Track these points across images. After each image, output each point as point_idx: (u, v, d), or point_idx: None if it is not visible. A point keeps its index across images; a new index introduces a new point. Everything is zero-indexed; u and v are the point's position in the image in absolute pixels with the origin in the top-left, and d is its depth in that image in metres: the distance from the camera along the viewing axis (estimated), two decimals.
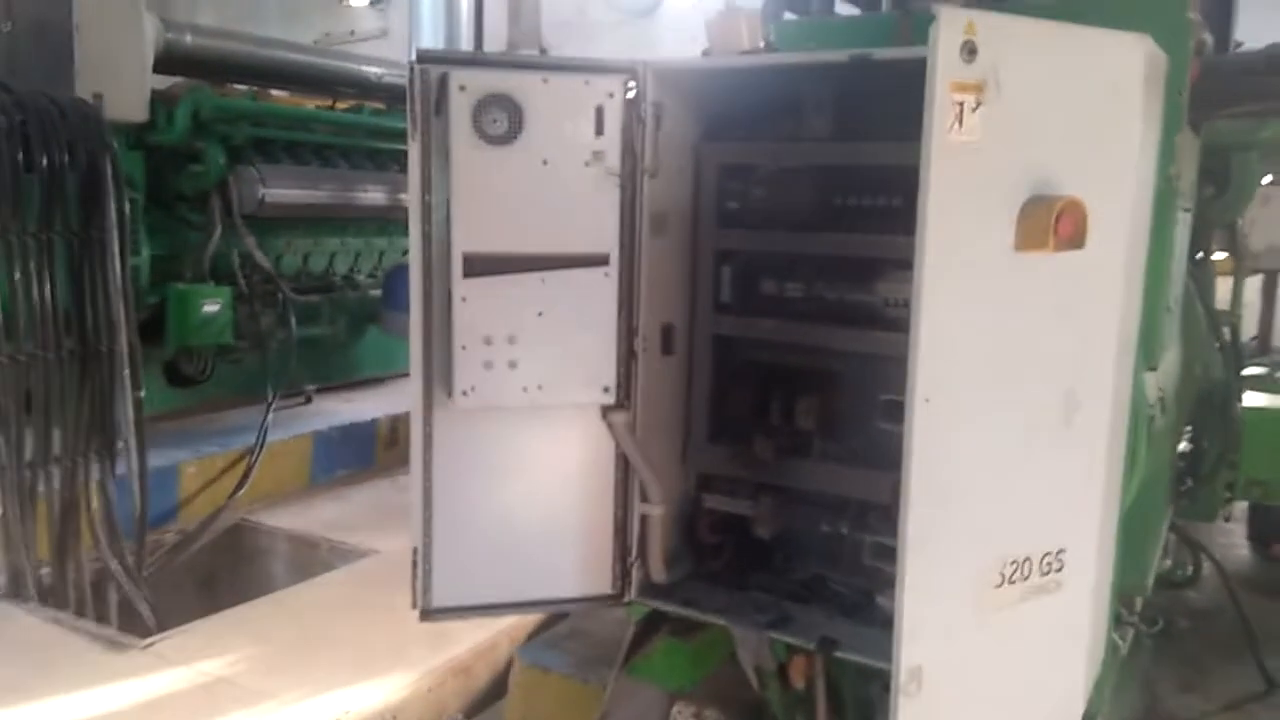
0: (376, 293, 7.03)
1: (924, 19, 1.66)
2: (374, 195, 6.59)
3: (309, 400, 6.39)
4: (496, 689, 3.58)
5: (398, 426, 6.24)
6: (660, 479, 2.49)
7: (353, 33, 12.90)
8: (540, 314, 2.31)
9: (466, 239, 2.25)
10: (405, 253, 7.35)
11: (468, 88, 2.21)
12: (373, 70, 6.82)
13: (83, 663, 3.47)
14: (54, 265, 4.09)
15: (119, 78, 4.86)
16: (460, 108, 2.21)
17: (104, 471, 4.37)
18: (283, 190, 5.95)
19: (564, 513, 2.49)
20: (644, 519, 2.49)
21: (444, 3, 8.49)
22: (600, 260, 2.34)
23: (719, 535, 2.59)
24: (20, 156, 3.94)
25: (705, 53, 2.74)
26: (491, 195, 2.24)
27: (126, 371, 4.36)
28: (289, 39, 7.35)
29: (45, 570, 4.18)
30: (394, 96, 6.99)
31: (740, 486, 2.53)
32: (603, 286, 2.35)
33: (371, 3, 13.33)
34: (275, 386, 5.88)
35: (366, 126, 6.68)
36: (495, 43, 9.28)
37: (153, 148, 5.48)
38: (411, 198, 2.27)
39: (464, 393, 2.29)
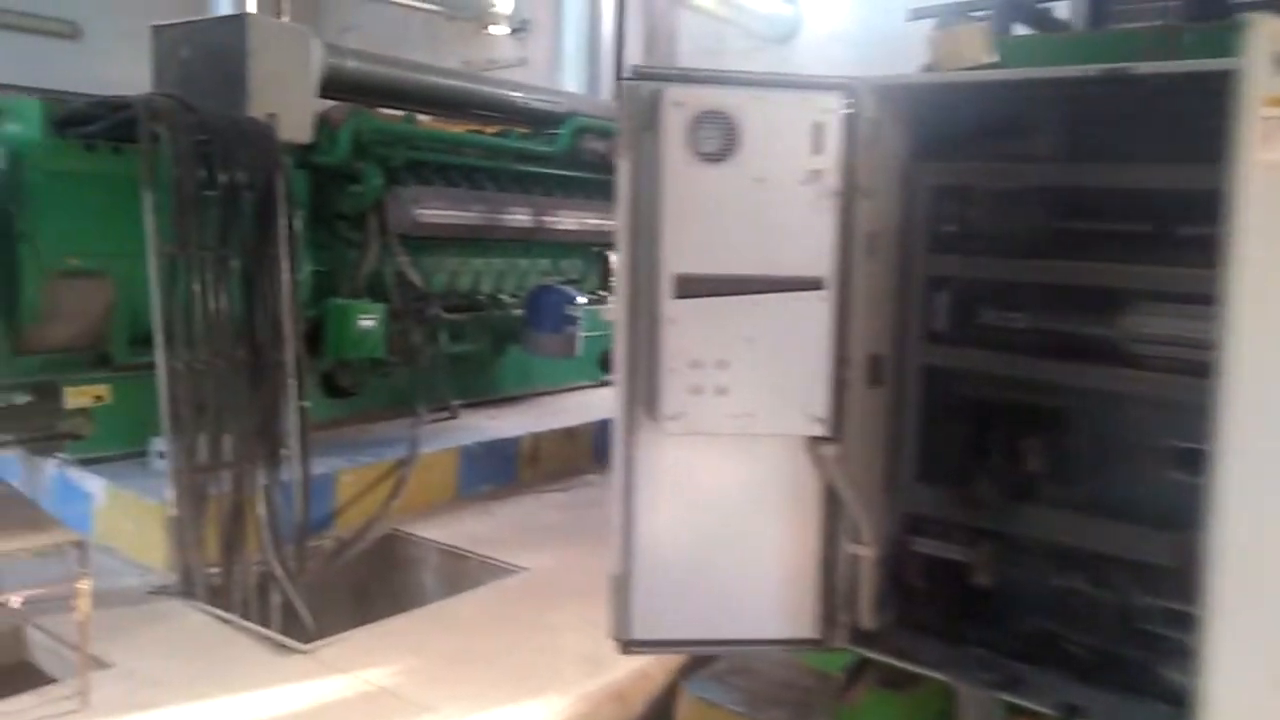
0: (519, 312, 7.14)
1: (1203, 33, 1.52)
2: (519, 217, 6.71)
3: (454, 415, 6.51)
4: (652, 718, 3.51)
5: (539, 444, 6.30)
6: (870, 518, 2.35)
7: (492, 60, 13.25)
8: (750, 339, 2.23)
9: (678, 259, 2.19)
10: (546, 274, 7.54)
11: (683, 104, 2.15)
12: (517, 95, 6.95)
13: (251, 664, 3.57)
14: (229, 279, 4.27)
15: (287, 101, 5.07)
16: (674, 124, 2.16)
17: (270, 478, 4.53)
18: (435, 211, 6.11)
19: (765, 548, 2.38)
20: (853, 560, 2.34)
21: (586, 32, 8.66)
22: (813, 284, 2.25)
23: (929, 581, 2.40)
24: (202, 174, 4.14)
25: (926, 68, 2.61)
26: (704, 215, 2.18)
27: (292, 381, 4.52)
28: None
29: (213, 571, 4.33)
30: (537, 121, 7.12)
31: (954, 530, 2.35)
32: (815, 311, 2.26)
33: (512, 31, 13.69)
34: (424, 401, 6.01)
35: (513, 150, 6.81)
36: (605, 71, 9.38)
37: (315, 168, 5.71)
38: (620, 216, 2.22)
39: (671, 418, 2.21)
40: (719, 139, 2.15)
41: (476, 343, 6.96)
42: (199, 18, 5.37)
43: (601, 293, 8.11)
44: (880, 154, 2.25)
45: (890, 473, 2.40)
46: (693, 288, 2.16)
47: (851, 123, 2.24)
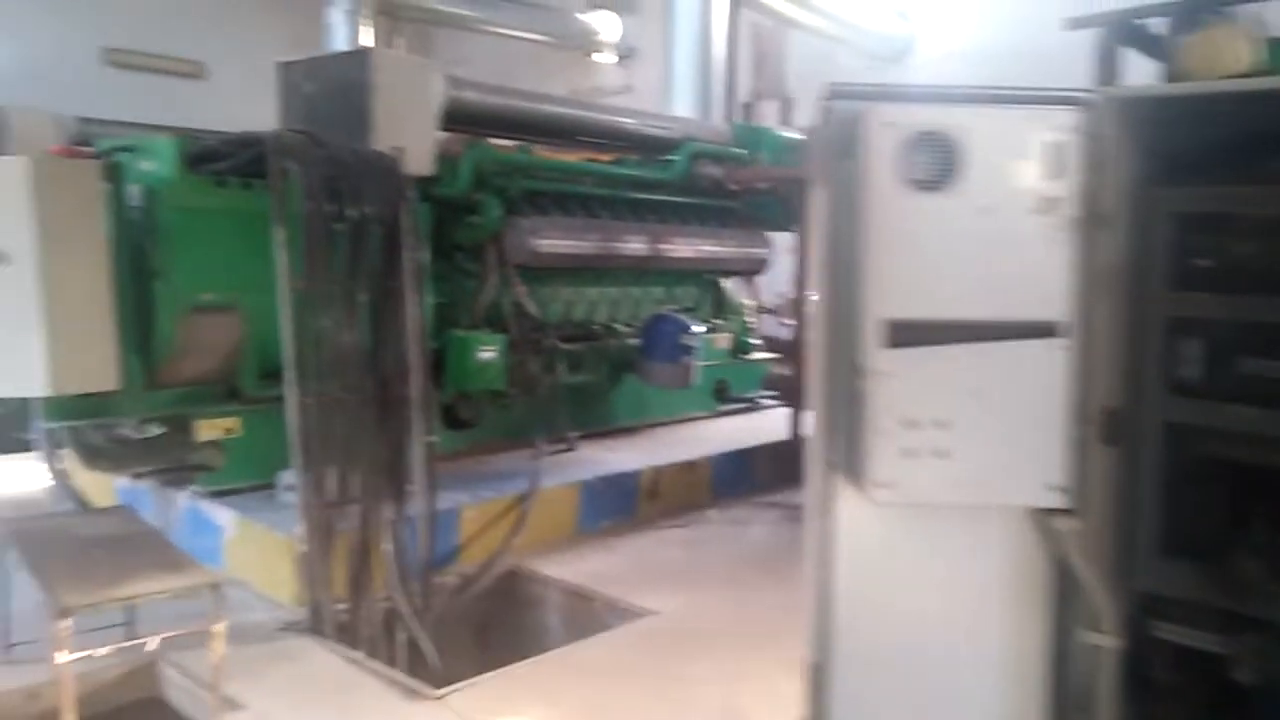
0: (634, 342, 7.02)
1: None
2: (635, 245, 6.59)
3: (572, 447, 6.40)
4: None
5: (659, 479, 6.13)
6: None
7: (598, 88, 13.29)
8: (975, 393, 1.94)
9: (887, 303, 1.91)
10: (660, 302, 7.40)
11: (894, 124, 1.89)
12: (631, 122, 6.84)
13: (383, 711, 3.47)
14: (356, 312, 4.24)
15: (410, 133, 5.05)
16: (883, 148, 1.87)
17: (396, 513, 4.46)
18: (552, 240, 6.04)
19: (985, 636, 2.08)
20: (1091, 651, 2.04)
21: (696, 57, 8.53)
22: (1046, 329, 1.96)
23: (1176, 674, 2.07)
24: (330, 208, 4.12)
25: (1172, 78, 2.28)
26: (917, 251, 1.89)
27: (419, 415, 4.46)
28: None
29: (341, 607, 4.27)
30: (650, 147, 7.01)
31: (1205, 614, 2.01)
32: (1051, 361, 1.97)
33: (618, 59, 13.72)
34: (544, 433, 5.92)
35: (628, 178, 6.70)
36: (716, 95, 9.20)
37: (434, 200, 5.69)
38: (817, 254, 1.95)
39: (881, 485, 1.93)
40: (936, 164, 1.89)
41: (592, 373, 6.86)
42: (322, 53, 5.40)
43: (716, 321, 7.95)
44: (1116, 178, 1.96)
45: (1124, 546, 2.04)
46: (906, 335, 1.87)
47: (1090, 142, 1.96)
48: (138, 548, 3.35)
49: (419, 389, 4.47)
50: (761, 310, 9.05)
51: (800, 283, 6.79)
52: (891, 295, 1.87)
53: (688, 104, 8.65)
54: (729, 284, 8.15)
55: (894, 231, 1.85)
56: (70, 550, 3.24)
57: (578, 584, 4.85)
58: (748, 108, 11.68)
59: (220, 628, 3.10)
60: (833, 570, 1.96)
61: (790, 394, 8.62)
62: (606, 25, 13.53)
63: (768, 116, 11.28)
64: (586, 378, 6.76)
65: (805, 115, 11.24)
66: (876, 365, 1.86)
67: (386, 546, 4.40)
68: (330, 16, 10.74)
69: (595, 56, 13.65)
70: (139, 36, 12.34)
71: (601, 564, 5.18)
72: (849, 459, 1.93)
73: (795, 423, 6.81)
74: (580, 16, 13.25)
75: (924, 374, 1.86)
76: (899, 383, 1.86)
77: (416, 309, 4.42)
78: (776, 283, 8.71)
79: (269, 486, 5.01)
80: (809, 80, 11.76)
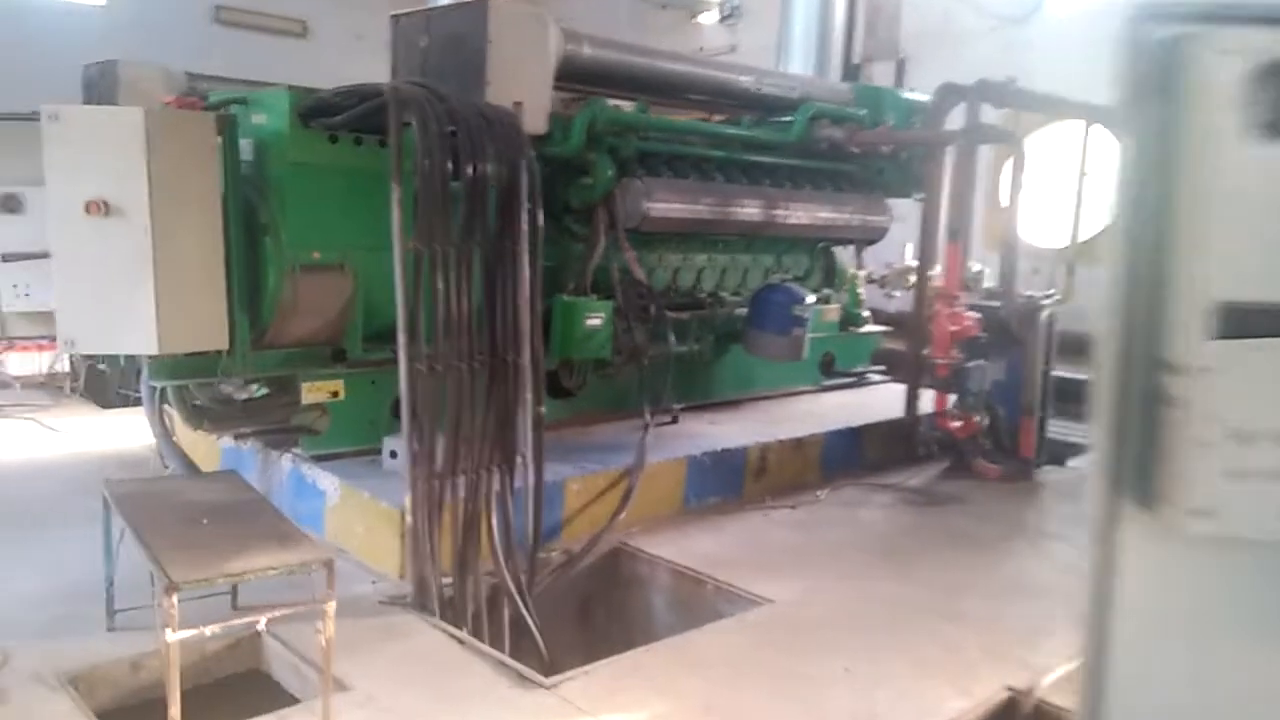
0: (741, 311, 6.73)
1: None
2: (750, 210, 6.27)
3: (675, 420, 6.16)
4: None
5: (767, 456, 5.86)
6: None
7: (700, 49, 12.89)
8: None
9: (1217, 282, 1.50)
10: (769, 270, 7.08)
11: (1235, 53, 1.45)
12: (749, 80, 6.48)
13: (493, 699, 3.30)
14: (471, 276, 4.04)
15: (526, 89, 4.82)
16: (1218, 83, 1.42)
17: (504, 485, 4.29)
18: (665, 204, 5.76)
19: None
20: None
21: (818, 12, 8.11)
22: None
23: None
24: (450, 166, 3.91)
25: None
26: (1262, 215, 1.48)
27: (529, 384, 4.27)
28: None
29: (446, 582, 4.13)
30: (766, 107, 6.65)
31: None
32: None
33: (721, 19, 13.29)
34: (650, 404, 5.69)
35: (744, 139, 6.37)
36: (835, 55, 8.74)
37: (544, 159, 5.46)
38: (1119, 217, 1.53)
39: (1197, 513, 1.54)
40: None
41: (697, 343, 6.59)
42: (437, 4, 5.19)
43: (826, 291, 7.59)
44: None
45: None
46: (1241, 323, 1.46)
47: None
48: (247, 518, 3.23)
49: (531, 356, 4.27)
50: (869, 280, 8.65)
51: (925, 252, 6.39)
52: (1223, 271, 1.42)
53: (801, 64, 8.27)
54: (839, 253, 7.76)
55: (1230, 190, 1.41)
56: (177, 520, 3.13)
57: (687, 565, 4.62)
58: (857, 69, 11.18)
59: (331, 606, 2.95)
60: (1112, 616, 1.56)
61: (904, 370, 8.25)
62: None
63: (879, 79, 10.78)
64: (691, 347, 6.50)
65: (919, 76, 10.71)
66: (1197, 360, 1.43)
67: (493, 520, 4.24)
68: None
69: (700, 17, 13.24)
70: None
71: (710, 544, 4.94)
72: (1144, 477, 1.50)
73: (911, 401, 6.45)
74: None
75: (1264, 373, 1.44)
76: (1228, 383, 1.43)
77: (532, 273, 4.21)
78: (882, 252, 8.29)
79: (373, 452, 4.89)
80: (924, 41, 11.19)
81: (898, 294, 9.88)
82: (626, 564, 4.83)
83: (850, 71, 9.43)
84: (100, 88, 7.31)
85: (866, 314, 7.98)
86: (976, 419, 6.00)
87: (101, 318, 4.15)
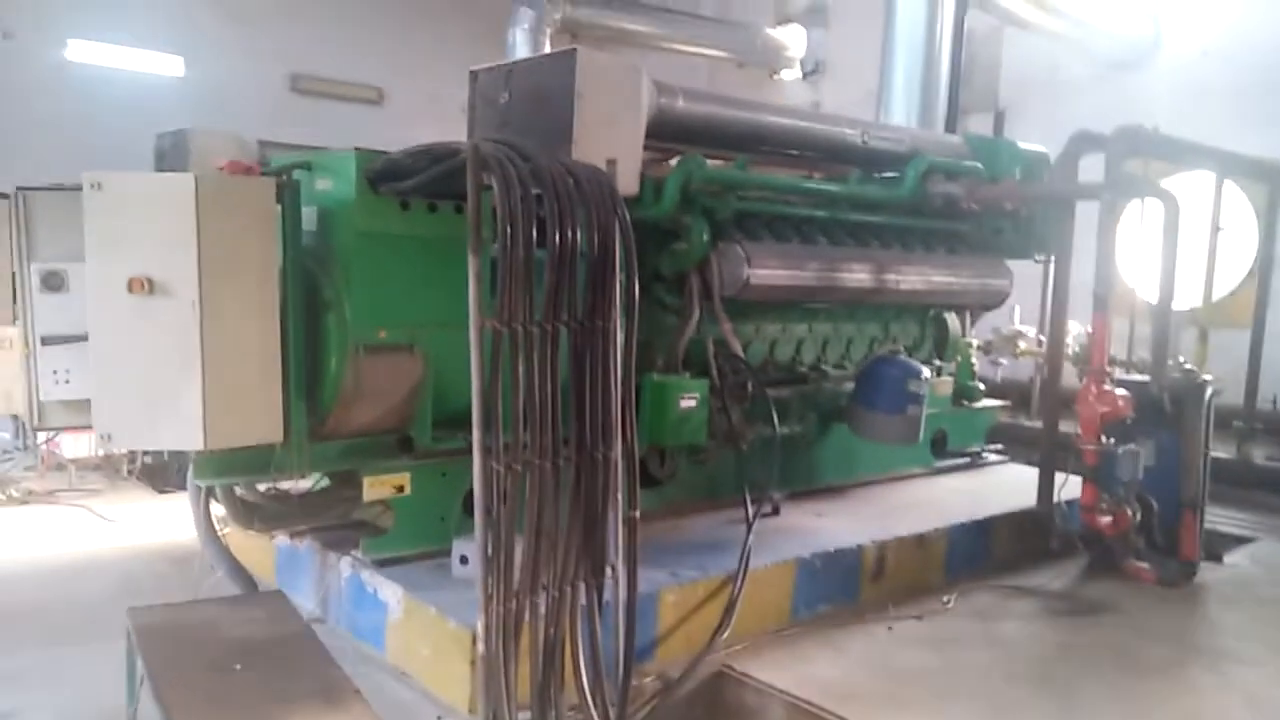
0: (846, 386, 6.07)
1: None
2: (859, 275, 5.63)
3: (776, 511, 5.47)
4: None
5: (885, 555, 5.14)
6: None
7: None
8: None
9: None
10: (875, 340, 6.40)
11: None
12: (855, 134, 5.89)
13: None
14: (558, 359, 3.47)
15: (616, 147, 4.29)
16: None
17: (591, 603, 3.67)
18: (768, 270, 5.16)
19: None
20: None
21: (920, 63, 7.54)
22: None
23: None
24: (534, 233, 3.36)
25: None
26: None
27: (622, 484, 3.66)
28: None
29: (523, 717, 3.50)
30: (872, 163, 6.04)
31: None
32: None
33: (804, 76, 12.83)
34: (753, 497, 5.04)
35: (851, 198, 5.75)
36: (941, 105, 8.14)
37: (634, 223, 4.92)
38: None
39: None
40: None
41: (800, 422, 5.93)
42: (521, 58, 4.74)
43: (936, 362, 6.88)
44: None
45: None
46: None
47: None
48: (289, 663, 2.67)
49: (624, 451, 3.67)
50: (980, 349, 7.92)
51: (1055, 318, 5.66)
52: None
53: (903, 117, 7.68)
54: (954, 320, 7.05)
55: None
56: (205, 665, 2.58)
57: (805, 698, 3.92)
58: (950, 122, 10.55)
59: None
60: None
61: (1029, 449, 7.45)
62: (793, 39, 12.66)
63: (976, 131, 10.14)
64: (793, 428, 5.84)
65: (1019, 129, 10.03)
66: None
67: (578, 644, 3.61)
68: (512, 36, 10.36)
69: (781, 74, 12.79)
70: (323, 63, 12.37)
71: (829, 668, 4.23)
72: None
73: (1045, 488, 5.67)
74: (769, 31, 12.43)
75: None
76: None
77: (627, 355, 3.63)
78: (987, 315, 7.56)
79: (443, 554, 4.32)
80: (1024, 90, 10.51)
81: (1004, 361, 9.11)
82: (732, 692, 4.14)
83: (949, 124, 8.82)
84: (172, 157, 7.05)
85: (981, 386, 7.23)
86: (1129, 513, 5.20)
87: (142, 408, 3.68)
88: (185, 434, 3.67)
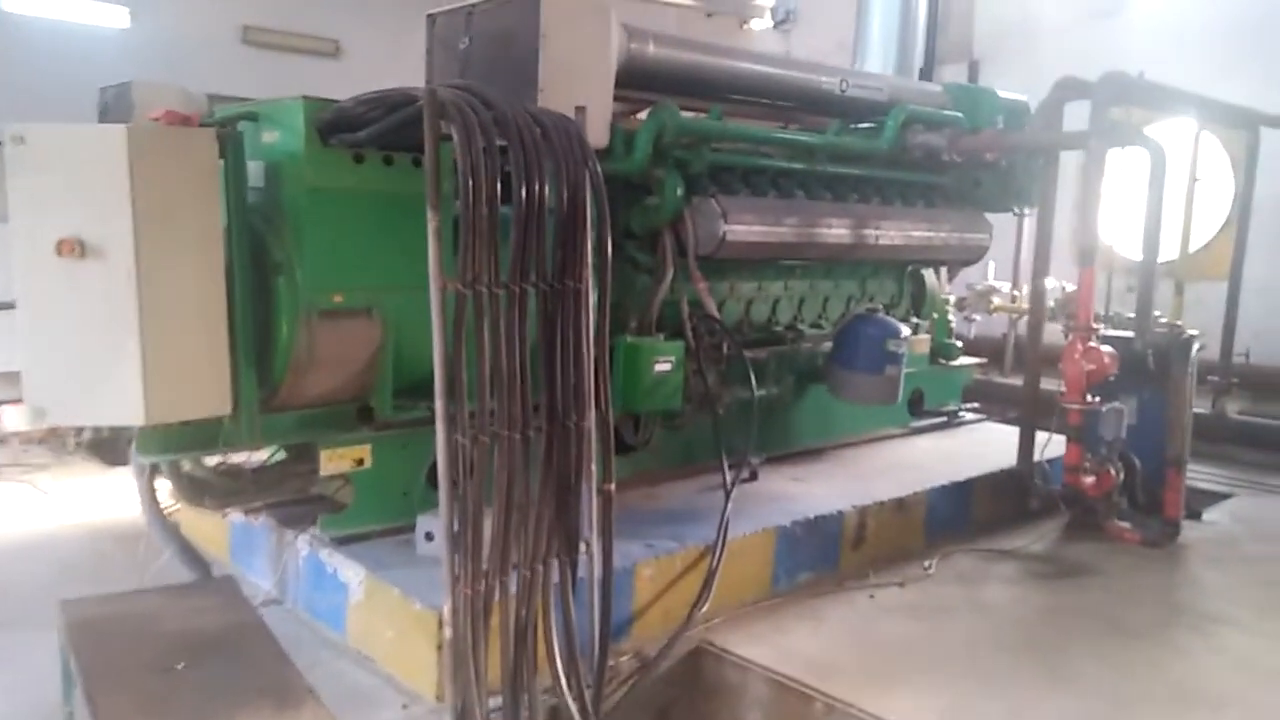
0: (824, 347, 5.89)
1: None
2: (839, 230, 5.42)
3: (754, 477, 5.30)
4: None
5: (865, 521, 4.99)
6: None
7: None
8: None
9: None
10: (852, 298, 6.21)
11: None
12: (833, 81, 5.64)
13: None
14: (525, 323, 3.23)
15: (585, 95, 4.02)
16: None
17: (564, 580, 3.48)
18: (745, 227, 4.93)
19: None
20: None
21: (897, 11, 7.27)
22: None
23: None
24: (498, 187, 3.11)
25: None
26: None
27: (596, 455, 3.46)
28: None
29: (493, 705, 3.31)
30: (851, 113, 5.80)
31: None
32: None
33: (775, 25, 12.51)
34: (731, 462, 4.86)
35: (830, 149, 5.52)
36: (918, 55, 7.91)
37: (604, 178, 4.67)
38: None
39: None
40: None
41: (778, 385, 5.75)
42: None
43: (914, 320, 6.72)
44: None
45: None
46: None
47: None
48: (237, 658, 2.45)
49: (598, 420, 3.46)
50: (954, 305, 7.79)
51: (1038, 272, 5.50)
52: None
53: (880, 67, 7.41)
54: (931, 276, 6.88)
55: None
56: (144, 665, 2.35)
57: (787, 674, 3.77)
58: (925, 72, 10.33)
59: None
60: None
61: (1009, 408, 7.34)
62: None
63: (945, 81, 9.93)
64: (770, 390, 5.66)
65: (994, 79, 9.83)
66: None
67: (552, 623, 3.42)
68: None
69: (751, 23, 12.47)
70: (276, 14, 11.87)
71: (810, 640, 4.09)
72: None
73: (1026, 447, 5.54)
74: None
75: None
76: None
77: (601, 318, 3.41)
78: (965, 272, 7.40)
79: (406, 530, 4.10)
80: (998, 41, 10.28)
81: (978, 318, 8.99)
82: (711, 668, 3.98)
83: (924, 75, 8.59)
84: (115, 112, 6.67)
85: (959, 344, 7.08)
86: (1112, 473, 5.08)
87: (77, 381, 3.40)
88: (124, 408, 3.39)
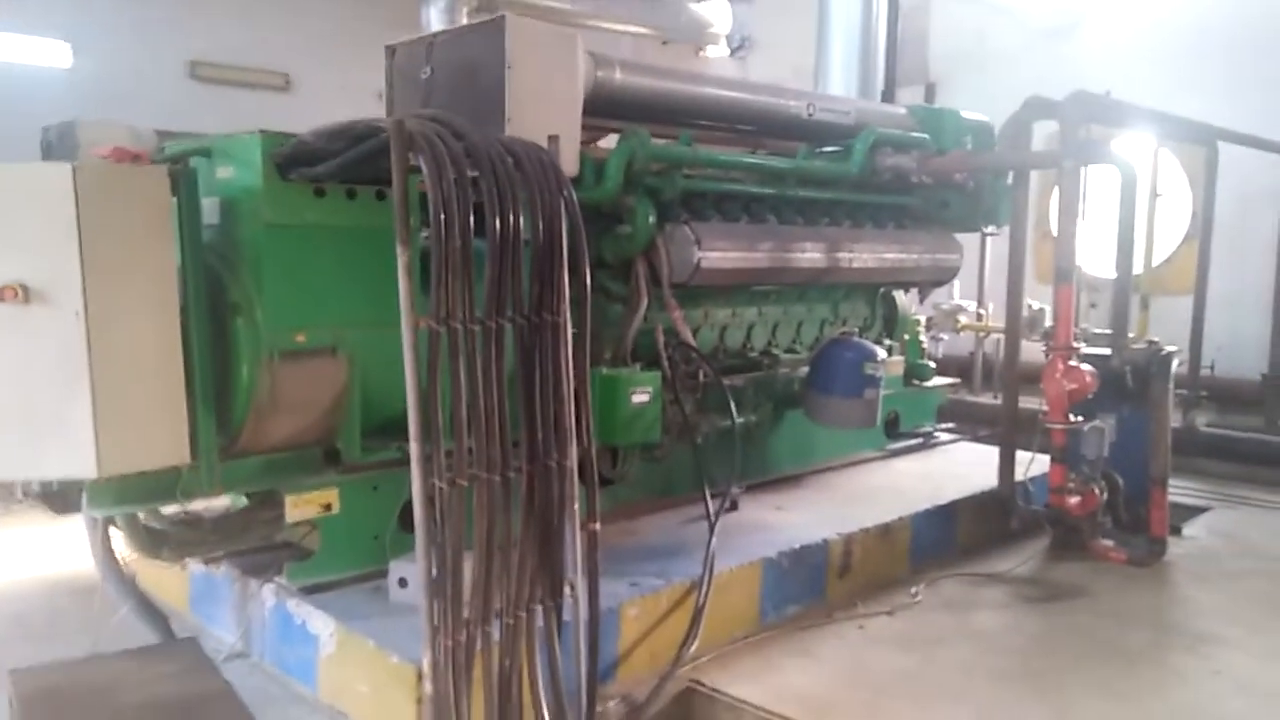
0: (800, 372, 5.80)
1: None
2: (811, 255, 5.35)
3: (735, 507, 5.17)
4: None
5: (851, 549, 4.88)
6: None
7: None
8: None
9: None
10: (826, 322, 6.13)
11: None
12: (800, 106, 5.59)
13: None
14: (503, 360, 3.09)
15: (553, 123, 3.92)
16: None
17: (549, 625, 3.32)
18: (720, 253, 4.84)
19: None
20: None
21: (858, 35, 7.29)
22: None
23: None
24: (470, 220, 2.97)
25: None
26: None
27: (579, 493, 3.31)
28: None
29: None
30: (817, 136, 5.76)
31: None
32: None
33: (731, 53, 12.54)
34: (712, 493, 4.72)
35: (800, 173, 5.45)
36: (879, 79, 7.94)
37: None
38: None
39: None
40: None
41: (755, 411, 5.64)
42: (443, 29, 4.32)
43: (888, 341, 6.67)
44: None
45: None
46: None
47: None
48: None
49: (580, 457, 3.32)
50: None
51: (1013, 291, 5.46)
52: None
53: (842, 90, 7.43)
54: (902, 297, 6.85)
55: None
56: None
57: (782, 714, 3.63)
58: (885, 95, 10.41)
59: None
60: None
61: (984, 427, 7.31)
62: (719, 16, 12.34)
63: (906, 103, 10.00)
64: (748, 418, 5.55)
65: (949, 101, 9.91)
66: None
67: (537, 672, 3.26)
68: (427, 16, 9.83)
69: (706, 50, 12.48)
70: (224, 49, 11.68)
71: (803, 677, 3.95)
72: None
73: (1006, 467, 5.48)
74: (692, 7, 12.09)
75: None
76: None
77: (579, 351, 3.28)
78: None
79: (378, 575, 3.92)
80: (954, 63, 10.37)
81: (945, 337, 9.00)
82: (703, 709, 3.83)
83: (885, 98, 8.62)
84: (59, 151, 6.42)
85: (932, 364, 7.04)
86: (1096, 492, 5.03)
87: (23, 434, 3.18)
88: (75, 461, 3.19)
